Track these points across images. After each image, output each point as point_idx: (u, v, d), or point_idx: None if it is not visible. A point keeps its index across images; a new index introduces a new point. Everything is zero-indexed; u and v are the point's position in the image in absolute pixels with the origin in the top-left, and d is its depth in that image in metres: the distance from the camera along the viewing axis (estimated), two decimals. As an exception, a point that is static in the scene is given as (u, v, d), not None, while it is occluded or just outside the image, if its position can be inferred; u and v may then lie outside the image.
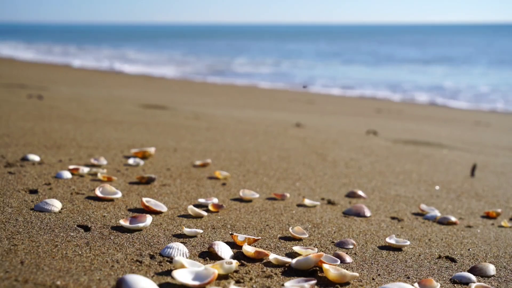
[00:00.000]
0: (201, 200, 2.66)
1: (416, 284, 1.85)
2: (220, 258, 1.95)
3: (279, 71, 20.97)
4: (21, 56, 24.23)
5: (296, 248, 2.09)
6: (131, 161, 3.38)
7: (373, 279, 1.93)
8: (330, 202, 2.93)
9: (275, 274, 1.87)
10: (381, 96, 13.56)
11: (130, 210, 2.45)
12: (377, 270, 2.02)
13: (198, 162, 3.52)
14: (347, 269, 1.98)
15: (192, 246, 2.08)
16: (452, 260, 2.20)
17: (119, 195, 2.59)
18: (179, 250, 1.95)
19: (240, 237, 2.11)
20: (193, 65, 23.20)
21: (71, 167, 2.99)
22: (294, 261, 1.93)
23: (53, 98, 6.77)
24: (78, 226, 2.16)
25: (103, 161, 3.29)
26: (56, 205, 2.33)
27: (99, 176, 2.91)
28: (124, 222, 2.19)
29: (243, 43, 47.14)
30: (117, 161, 3.41)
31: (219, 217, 2.48)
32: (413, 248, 2.30)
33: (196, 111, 6.77)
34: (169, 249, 1.95)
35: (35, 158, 3.22)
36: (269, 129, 5.55)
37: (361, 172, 3.77)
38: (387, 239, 2.30)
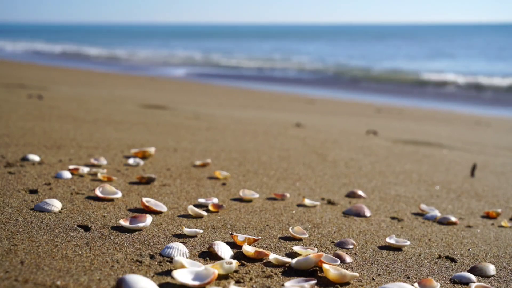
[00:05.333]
0: (201, 200, 2.66)
1: (416, 284, 1.85)
2: (220, 258, 1.95)
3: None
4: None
5: (296, 248, 2.09)
6: (131, 161, 3.38)
7: (373, 279, 1.93)
8: (330, 202, 2.93)
9: (275, 274, 1.87)
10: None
11: (130, 210, 2.45)
12: (377, 270, 2.02)
13: (198, 162, 3.52)
14: (347, 269, 1.98)
15: (192, 246, 2.08)
16: (452, 260, 2.20)
17: (119, 195, 2.59)
18: (179, 250, 1.95)
19: (240, 237, 2.11)
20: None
21: (71, 167, 2.99)
22: (294, 261, 1.93)
23: (53, 98, 6.77)
24: (78, 226, 2.16)
25: (103, 161, 3.29)
26: (56, 205, 2.33)
27: (99, 176, 2.91)
28: (124, 222, 2.19)
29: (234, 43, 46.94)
30: (117, 161, 3.41)
31: (219, 217, 2.48)
32: (413, 248, 2.30)
33: (196, 111, 6.77)
34: (169, 249, 1.95)
35: (35, 158, 3.22)
36: (269, 129, 5.56)
37: (361, 172, 3.77)
38: (387, 239, 2.30)
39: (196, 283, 1.67)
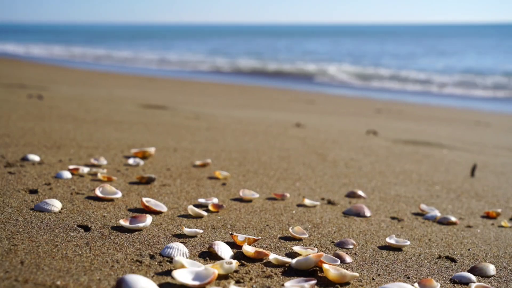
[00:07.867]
0: (201, 200, 2.66)
1: (416, 284, 1.85)
2: (220, 258, 1.95)
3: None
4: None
5: (296, 248, 2.09)
6: (131, 161, 3.38)
7: (373, 279, 1.93)
8: (330, 202, 2.93)
9: (275, 274, 1.87)
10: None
11: (130, 210, 2.45)
12: (377, 270, 2.02)
13: (198, 162, 3.52)
14: (347, 269, 1.98)
15: (192, 246, 2.08)
16: (452, 260, 2.20)
17: (119, 195, 2.59)
18: (179, 250, 1.95)
19: (240, 237, 2.11)
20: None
21: (71, 167, 2.99)
22: (294, 261, 1.93)
23: (53, 98, 6.77)
24: (78, 226, 2.16)
25: (103, 161, 3.29)
26: (56, 205, 2.33)
27: (99, 176, 2.91)
28: (124, 222, 2.18)
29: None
30: (117, 161, 3.41)
31: (219, 217, 2.48)
32: (413, 248, 2.30)
33: (196, 111, 6.77)
34: (169, 249, 1.95)
35: (35, 158, 3.22)
36: (269, 129, 5.55)
37: (361, 172, 3.77)
38: (387, 239, 2.30)
39: (196, 283, 1.67)
